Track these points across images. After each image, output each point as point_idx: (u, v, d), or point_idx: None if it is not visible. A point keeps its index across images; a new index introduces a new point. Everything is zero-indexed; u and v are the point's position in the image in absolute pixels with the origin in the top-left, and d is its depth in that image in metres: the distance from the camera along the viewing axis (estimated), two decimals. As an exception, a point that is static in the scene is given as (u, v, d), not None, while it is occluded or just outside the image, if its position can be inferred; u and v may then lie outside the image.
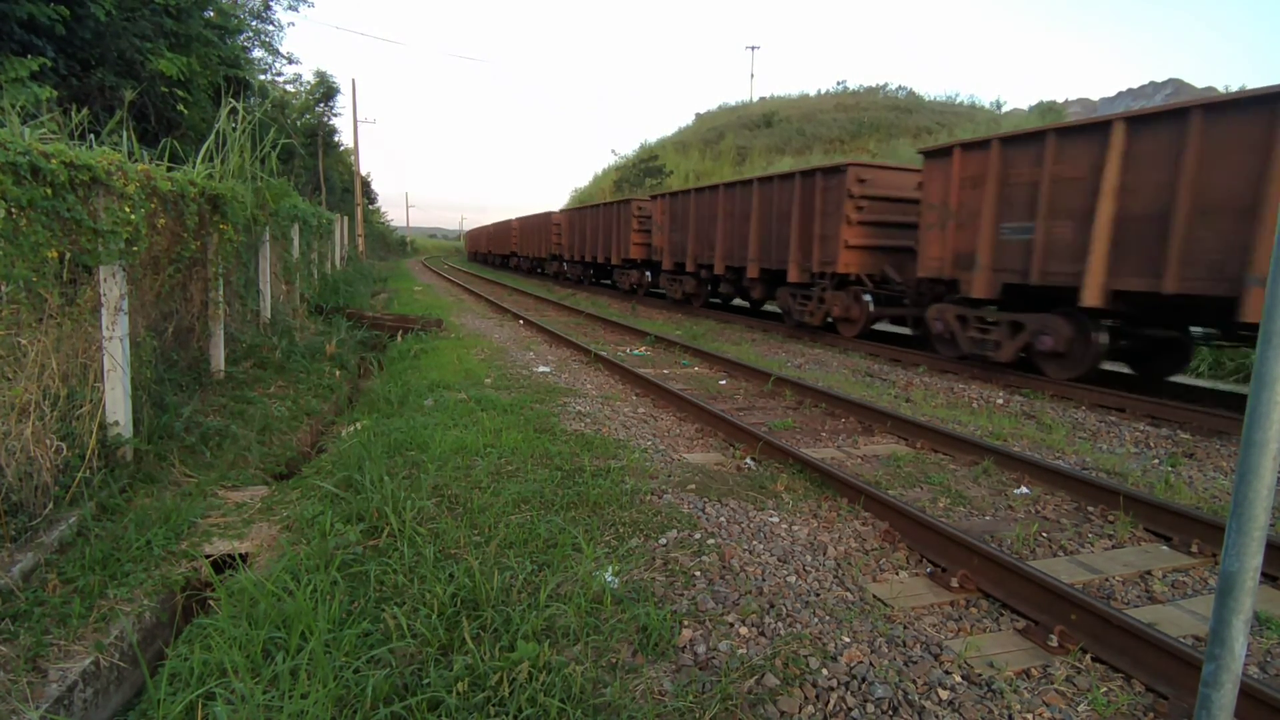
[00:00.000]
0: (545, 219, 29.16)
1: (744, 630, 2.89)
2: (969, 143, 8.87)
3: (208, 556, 3.73)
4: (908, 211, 10.76)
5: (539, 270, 31.86)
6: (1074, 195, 7.50)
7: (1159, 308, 7.38)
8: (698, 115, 51.26)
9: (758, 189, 13.20)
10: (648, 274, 19.61)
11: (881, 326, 12.37)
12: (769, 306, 15.39)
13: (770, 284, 13.64)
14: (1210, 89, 31.20)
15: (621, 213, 20.18)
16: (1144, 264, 6.90)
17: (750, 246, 13.45)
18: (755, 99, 50.27)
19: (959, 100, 40.34)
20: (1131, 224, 7.02)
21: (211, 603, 3.23)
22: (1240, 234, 6.12)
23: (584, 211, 24.22)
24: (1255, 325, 5.81)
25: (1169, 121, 6.67)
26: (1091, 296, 7.27)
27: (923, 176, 9.71)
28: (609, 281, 23.51)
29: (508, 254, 38.05)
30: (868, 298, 11.08)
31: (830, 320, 11.93)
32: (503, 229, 40.25)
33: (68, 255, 3.96)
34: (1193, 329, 8.08)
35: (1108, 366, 9.15)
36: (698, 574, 3.34)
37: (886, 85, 44.30)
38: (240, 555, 3.75)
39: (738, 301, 16.91)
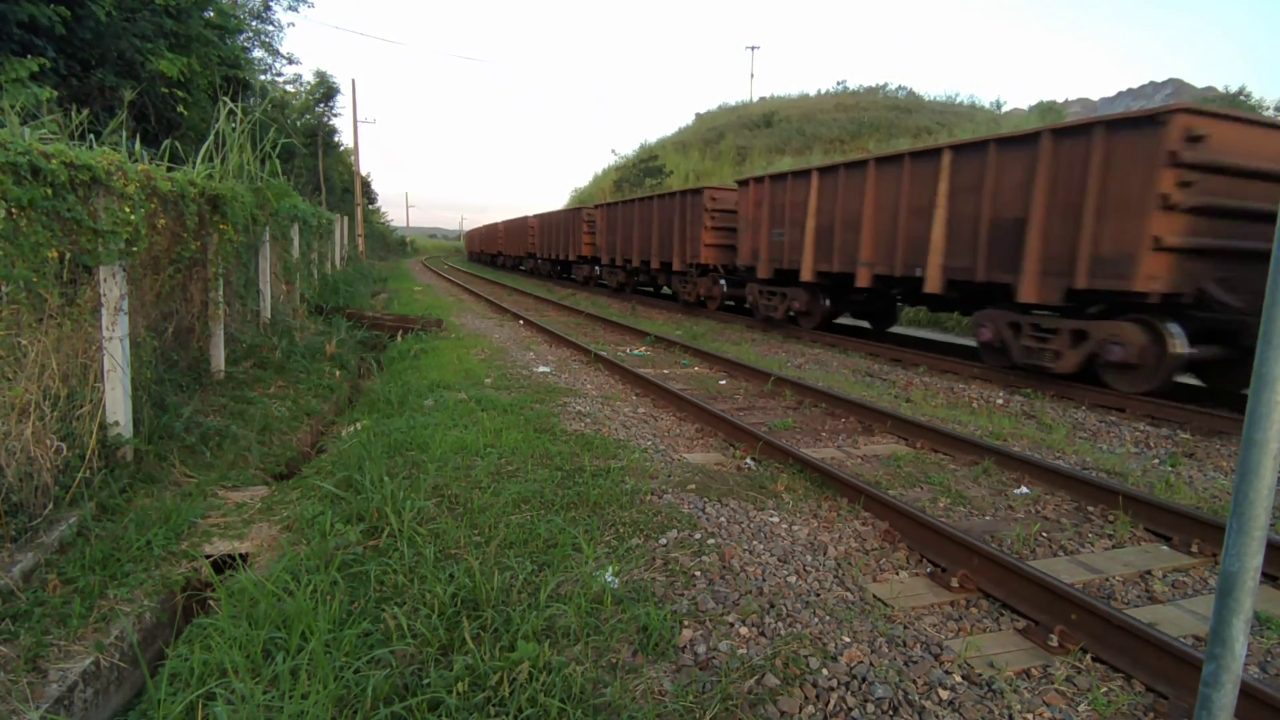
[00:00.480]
0: (523, 222, 33.56)
1: (744, 630, 2.89)
2: (757, 177, 13.36)
3: (208, 556, 3.73)
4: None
5: (520, 267, 35.92)
6: (799, 213, 11.91)
7: (840, 282, 11.41)
8: (698, 115, 51.23)
9: (656, 203, 17.65)
10: (596, 268, 23.66)
11: (845, 321, 14.75)
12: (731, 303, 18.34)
13: (668, 273, 17.99)
14: (1210, 89, 31.22)
15: (575, 219, 24.68)
16: (826, 255, 11.33)
17: (653, 245, 17.85)
18: (755, 99, 50.23)
19: (959, 100, 40.32)
20: (822, 232, 11.45)
21: (212, 603, 3.23)
22: (855, 237, 10.57)
23: (550, 216, 28.67)
24: (865, 289, 10.78)
25: (831, 173, 11.21)
26: (806, 275, 11.77)
27: (737, 198, 14.18)
28: (571, 276, 27.32)
29: (496, 253, 42.66)
30: (723, 281, 15.40)
31: (701, 299, 16.25)
32: (492, 230, 45.39)
33: (68, 255, 3.96)
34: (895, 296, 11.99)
35: (852, 323, 13.76)
36: (698, 574, 3.34)
37: (886, 85, 44.29)
38: (240, 555, 3.75)
39: (665, 290, 20.87)
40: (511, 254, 37.15)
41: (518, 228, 35.19)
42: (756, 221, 13.13)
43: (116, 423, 4.37)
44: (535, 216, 31.38)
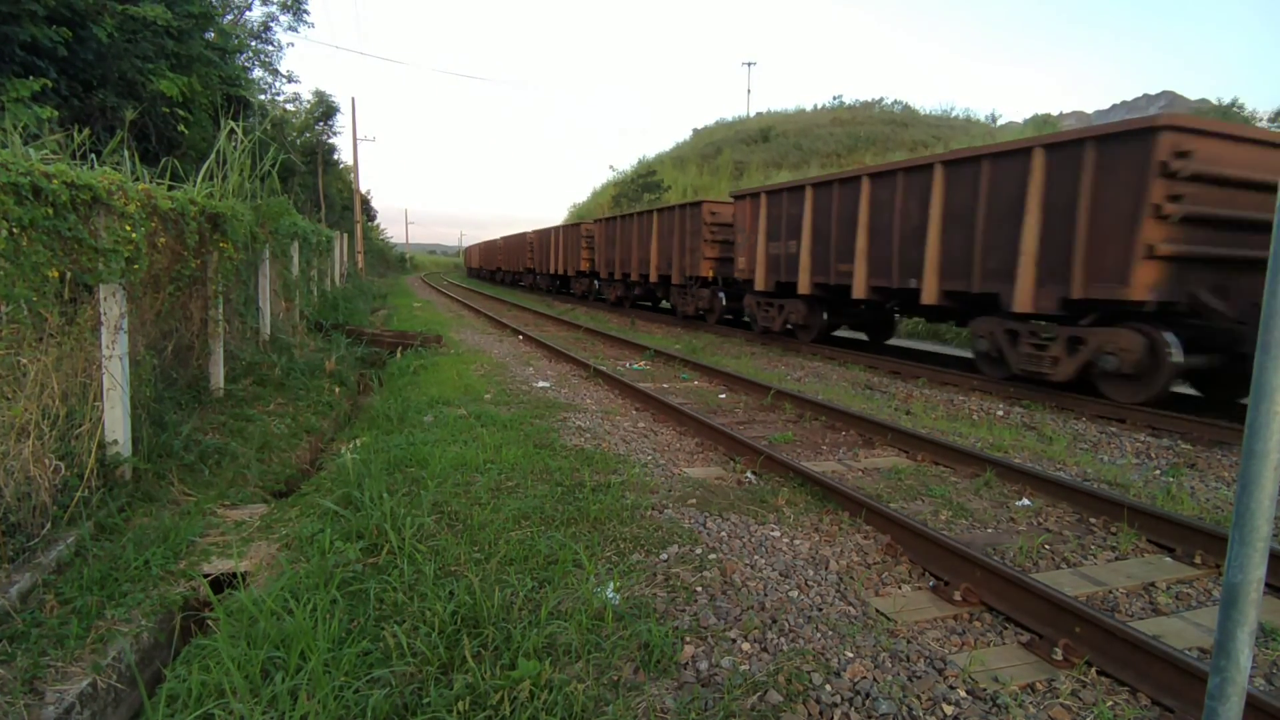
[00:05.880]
0: (522, 238, 34.49)
1: (746, 646, 2.87)
2: (753, 191, 13.48)
3: (206, 576, 3.71)
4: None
5: (519, 283, 36.70)
6: (795, 227, 12.10)
7: (838, 294, 11.56)
8: (695, 131, 51.54)
9: (654, 217, 17.81)
10: (595, 283, 24.07)
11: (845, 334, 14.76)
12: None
13: (666, 287, 18.26)
14: (1203, 100, 31.47)
15: (574, 234, 25.25)
16: (822, 267, 11.50)
17: (651, 259, 18.07)
18: (752, 114, 50.60)
19: (954, 114, 40.64)
20: (818, 244, 11.61)
21: (210, 622, 3.21)
22: (850, 250, 10.64)
23: (549, 232, 29.35)
24: (862, 301, 10.91)
25: (826, 186, 11.36)
26: (804, 288, 11.92)
27: (734, 211, 14.12)
28: (570, 291, 27.74)
29: (495, 269, 43.77)
30: (721, 295, 15.59)
31: (700, 312, 16.39)
32: (491, 246, 46.72)
33: (68, 274, 3.97)
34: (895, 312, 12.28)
35: (850, 335, 13.89)
36: (699, 589, 3.33)
37: (882, 100, 44.65)
38: (239, 574, 3.72)
39: (664, 304, 20.82)
40: (510, 270, 37.88)
41: (516, 244, 36.00)
42: (753, 235, 13.34)
43: (115, 441, 4.36)
44: (534, 232, 31.98)
